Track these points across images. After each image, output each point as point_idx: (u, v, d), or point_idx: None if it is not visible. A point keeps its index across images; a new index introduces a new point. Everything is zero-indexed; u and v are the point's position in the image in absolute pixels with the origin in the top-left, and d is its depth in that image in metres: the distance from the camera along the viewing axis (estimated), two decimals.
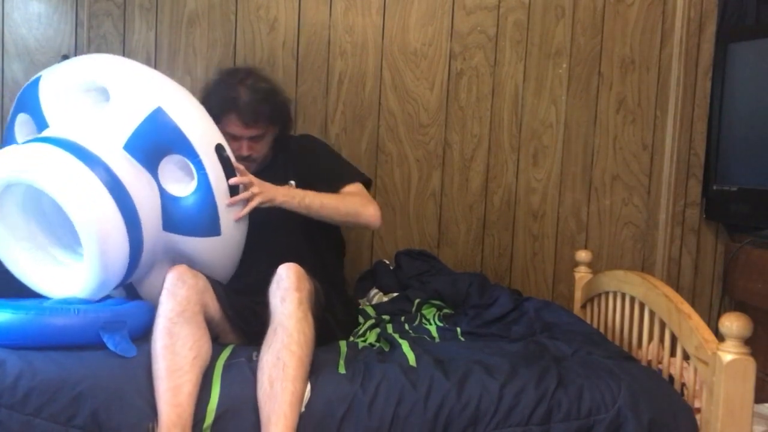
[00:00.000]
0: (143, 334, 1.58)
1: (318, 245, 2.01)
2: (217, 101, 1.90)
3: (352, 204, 1.92)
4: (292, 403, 1.42)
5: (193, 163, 1.66)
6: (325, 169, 2.04)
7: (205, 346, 1.53)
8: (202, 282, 1.64)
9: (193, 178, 1.67)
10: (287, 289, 1.57)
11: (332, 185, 1.96)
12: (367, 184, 2.08)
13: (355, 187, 2.00)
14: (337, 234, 2.15)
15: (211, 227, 1.69)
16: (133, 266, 1.63)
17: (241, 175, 1.73)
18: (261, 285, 1.67)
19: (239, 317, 1.70)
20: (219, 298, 1.67)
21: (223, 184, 1.68)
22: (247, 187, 1.74)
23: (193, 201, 1.67)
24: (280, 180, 1.90)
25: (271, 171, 1.97)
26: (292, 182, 1.97)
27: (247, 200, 1.74)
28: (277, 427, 1.39)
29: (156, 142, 1.64)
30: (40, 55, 2.30)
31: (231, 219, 1.71)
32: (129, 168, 1.62)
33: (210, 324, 1.61)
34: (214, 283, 1.69)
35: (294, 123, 2.27)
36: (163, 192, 1.67)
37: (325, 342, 1.67)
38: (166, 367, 1.46)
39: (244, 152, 1.92)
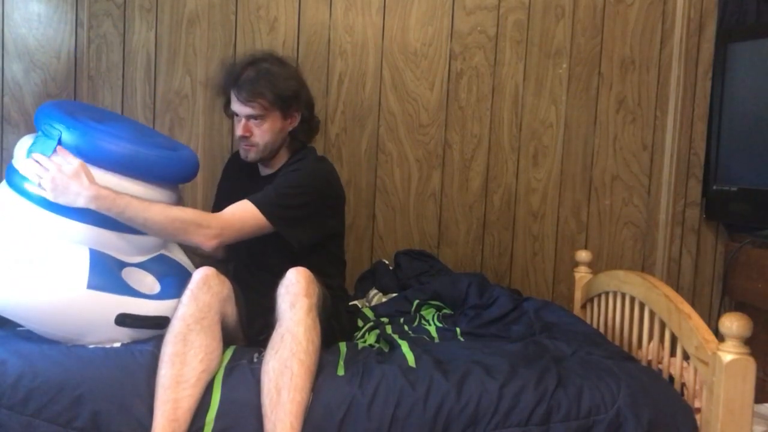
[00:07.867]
0: None
1: (310, 260, 1.85)
2: (224, 77, 1.90)
3: (182, 226, 1.66)
4: (299, 413, 1.42)
5: None
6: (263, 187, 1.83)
7: (216, 359, 1.51)
8: (227, 289, 1.61)
9: None
10: (297, 295, 1.54)
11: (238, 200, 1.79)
12: (274, 222, 1.75)
13: (243, 206, 1.75)
14: (334, 244, 2.00)
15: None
16: None
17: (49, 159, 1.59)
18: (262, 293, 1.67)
19: (250, 325, 1.70)
20: (239, 307, 1.66)
21: None
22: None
23: None
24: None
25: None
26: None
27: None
28: None
29: None
30: (40, 55, 2.30)
31: None
32: None
33: (222, 331, 1.59)
34: (237, 290, 1.67)
35: (312, 129, 2.01)
36: None
37: (326, 347, 1.65)
38: (173, 375, 1.44)
39: (239, 131, 1.87)
